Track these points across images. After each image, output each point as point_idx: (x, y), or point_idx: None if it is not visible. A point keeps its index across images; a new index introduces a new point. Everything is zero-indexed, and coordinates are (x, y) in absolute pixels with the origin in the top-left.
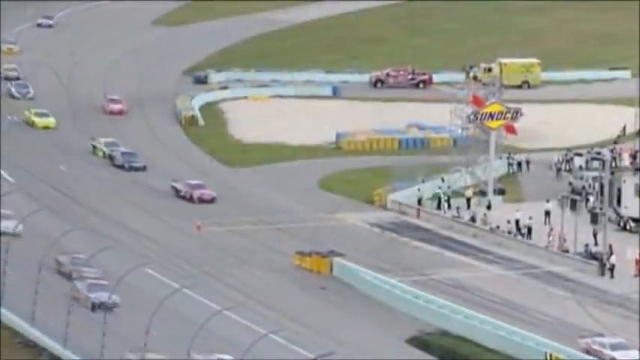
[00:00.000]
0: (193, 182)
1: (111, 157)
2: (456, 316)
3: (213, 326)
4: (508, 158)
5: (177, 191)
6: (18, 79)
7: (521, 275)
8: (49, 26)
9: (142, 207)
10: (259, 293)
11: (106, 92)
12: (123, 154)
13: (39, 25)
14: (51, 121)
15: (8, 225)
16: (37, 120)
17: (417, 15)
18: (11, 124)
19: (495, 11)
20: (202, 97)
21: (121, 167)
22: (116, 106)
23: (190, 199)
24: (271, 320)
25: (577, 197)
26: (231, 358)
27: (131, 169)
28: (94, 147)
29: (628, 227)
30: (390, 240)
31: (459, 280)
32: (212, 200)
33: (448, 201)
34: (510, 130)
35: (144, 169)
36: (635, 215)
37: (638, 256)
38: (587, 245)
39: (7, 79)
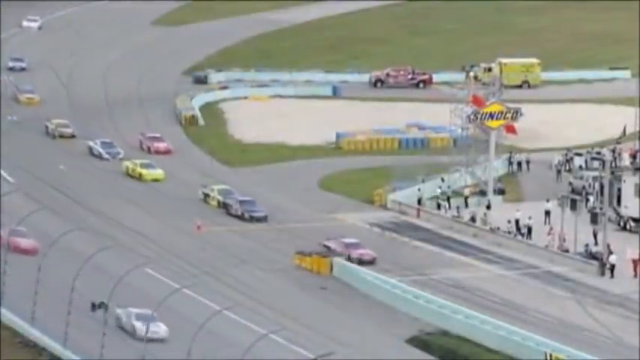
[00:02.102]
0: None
1: (226, 206)
2: (456, 316)
3: (213, 326)
4: (509, 158)
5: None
6: (73, 136)
7: (521, 275)
8: (39, 28)
9: (142, 207)
10: (259, 293)
11: (144, 130)
12: (241, 202)
13: (22, 26)
14: (159, 173)
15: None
16: (144, 172)
17: (417, 15)
18: (11, 124)
19: (495, 11)
20: (202, 97)
21: (240, 217)
22: (161, 145)
23: (241, 217)
24: (271, 320)
25: (577, 197)
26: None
27: (252, 219)
28: (206, 195)
29: (628, 227)
30: (390, 240)
31: (459, 280)
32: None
33: (448, 201)
34: (510, 130)
35: (265, 219)
36: (635, 215)
37: (634, 257)
38: (587, 245)
39: (62, 136)
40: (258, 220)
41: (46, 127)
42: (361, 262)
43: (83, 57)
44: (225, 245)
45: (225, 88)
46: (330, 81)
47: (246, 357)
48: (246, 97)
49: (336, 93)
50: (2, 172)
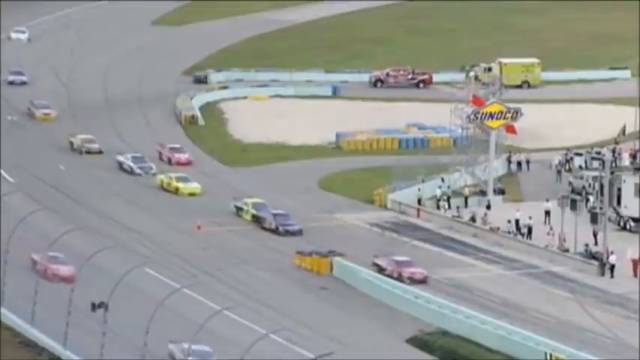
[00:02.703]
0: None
1: (259, 220)
2: (456, 316)
3: (213, 326)
4: (508, 158)
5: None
6: (101, 152)
7: (521, 275)
8: (28, 40)
9: (142, 207)
10: (259, 293)
11: (164, 142)
12: (275, 215)
13: (10, 38)
14: (196, 186)
15: None
16: (180, 186)
17: (416, 15)
18: (11, 124)
19: (495, 11)
20: (202, 97)
21: (274, 231)
22: (183, 156)
23: (275, 231)
24: (271, 320)
25: (577, 197)
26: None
27: (287, 233)
28: (239, 208)
29: (628, 227)
30: (390, 240)
31: (459, 280)
32: None
33: (448, 201)
34: (510, 129)
35: (300, 232)
36: (635, 215)
37: (633, 257)
38: (587, 245)
39: (89, 152)
40: (293, 233)
41: (71, 142)
42: (412, 281)
43: (83, 57)
44: (225, 245)
45: (225, 88)
46: (330, 81)
47: (246, 357)
48: (246, 97)
49: (336, 93)
50: (2, 172)
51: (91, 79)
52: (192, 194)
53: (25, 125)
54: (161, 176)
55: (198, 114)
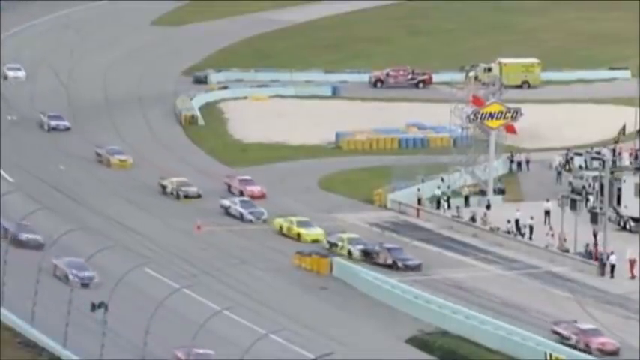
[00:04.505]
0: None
1: (369, 254)
2: (456, 316)
3: (213, 326)
4: (511, 158)
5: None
6: (199, 195)
7: (521, 275)
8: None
9: (142, 207)
10: (259, 293)
11: (234, 173)
12: (390, 250)
13: (5, 77)
14: (319, 232)
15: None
16: (303, 232)
17: (416, 15)
18: (11, 124)
19: (495, 11)
20: (202, 97)
21: (390, 267)
22: (255, 189)
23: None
24: (271, 320)
25: (577, 197)
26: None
27: (406, 268)
28: (333, 244)
29: (628, 227)
30: (390, 240)
31: (459, 280)
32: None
33: (448, 201)
34: (510, 129)
35: (419, 267)
36: (635, 215)
37: (630, 257)
38: (587, 245)
39: (187, 197)
40: (413, 269)
41: (163, 186)
42: (602, 352)
43: (83, 57)
44: (225, 245)
45: (225, 88)
46: (330, 81)
47: (246, 357)
48: (245, 97)
49: (335, 93)
50: (2, 172)
51: (91, 79)
52: (315, 241)
53: (98, 174)
54: (279, 220)
55: (198, 114)
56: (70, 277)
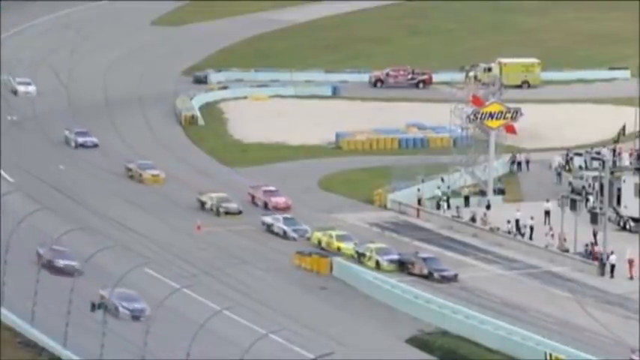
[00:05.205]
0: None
1: (404, 264)
2: (456, 316)
3: (213, 326)
4: (512, 159)
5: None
6: (240, 212)
7: (521, 275)
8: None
9: (142, 207)
10: (259, 293)
11: (258, 184)
12: (425, 260)
13: (15, 92)
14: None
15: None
16: (342, 246)
17: (416, 15)
18: (11, 124)
19: (495, 11)
20: (202, 97)
21: (426, 277)
22: (280, 200)
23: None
24: (271, 320)
25: (577, 197)
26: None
27: (443, 279)
28: (361, 255)
29: (628, 227)
30: (390, 240)
31: (458, 280)
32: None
33: (448, 201)
34: (510, 129)
35: (456, 278)
36: (635, 215)
37: (629, 258)
38: (587, 245)
39: (227, 213)
40: (449, 280)
41: (202, 202)
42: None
43: (83, 57)
44: (225, 245)
45: (225, 88)
46: (330, 81)
47: (246, 357)
48: (246, 97)
49: (335, 93)
50: (2, 172)
51: (91, 79)
52: (352, 256)
53: (131, 187)
54: (318, 234)
55: (198, 114)
56: (120, 309)
